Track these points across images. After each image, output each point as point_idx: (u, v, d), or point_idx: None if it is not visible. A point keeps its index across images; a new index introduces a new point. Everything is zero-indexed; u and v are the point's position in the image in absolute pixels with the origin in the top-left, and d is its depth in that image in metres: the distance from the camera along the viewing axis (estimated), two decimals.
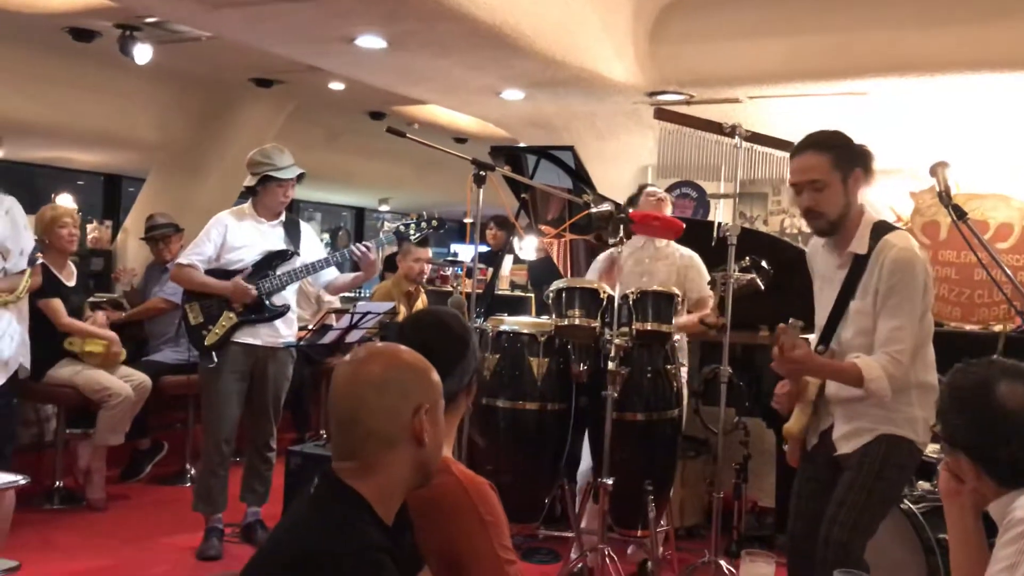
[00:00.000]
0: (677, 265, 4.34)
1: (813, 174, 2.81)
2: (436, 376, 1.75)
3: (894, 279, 2.73)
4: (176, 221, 6.12)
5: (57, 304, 4.79)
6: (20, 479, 2.80)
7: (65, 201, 8.20)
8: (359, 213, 13.94)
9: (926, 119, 5.41)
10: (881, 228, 2.83)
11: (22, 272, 3.46)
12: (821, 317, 2.95)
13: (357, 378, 1.69)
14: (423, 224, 4.48)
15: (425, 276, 5.93)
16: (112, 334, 5.10)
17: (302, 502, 1.72)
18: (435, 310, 2.23)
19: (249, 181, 4.38)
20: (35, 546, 4.25)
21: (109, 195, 10.02)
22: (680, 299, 3.97)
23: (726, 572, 3.74)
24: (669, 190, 6.23)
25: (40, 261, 3.54)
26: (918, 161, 4.44)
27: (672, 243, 4.40)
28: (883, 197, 5.53)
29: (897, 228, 2.91)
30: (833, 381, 2.86)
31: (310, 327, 4.95)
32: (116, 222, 8.73)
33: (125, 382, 5.06)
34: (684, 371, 4.33)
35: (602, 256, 4.52)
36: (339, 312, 4.94)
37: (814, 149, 2.84)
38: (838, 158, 2.81)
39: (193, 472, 5.56)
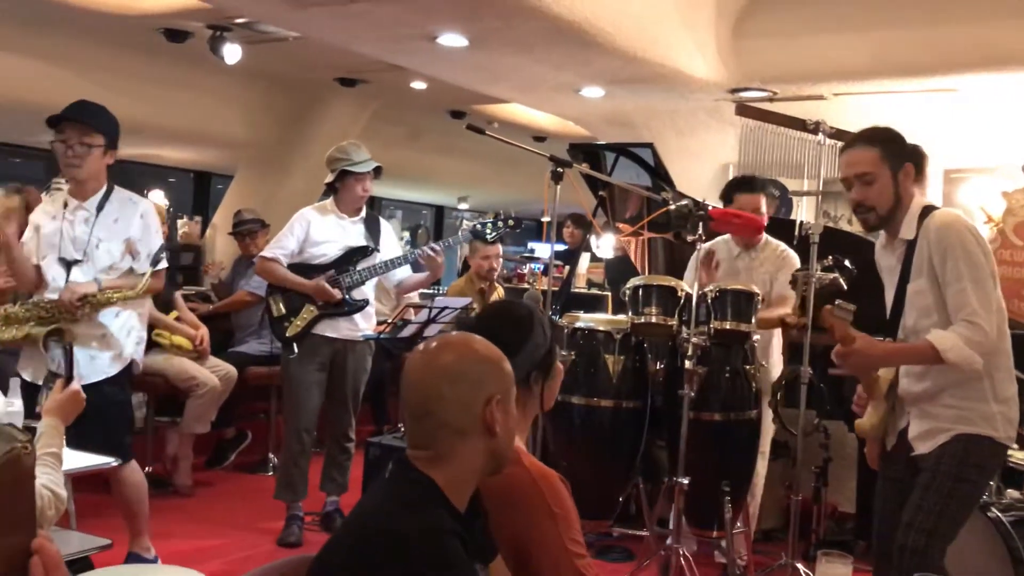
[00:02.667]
0: (771, 273, 4.24)
1: (861, 167, 2.80)
2: (508, 365, 1.75)
3: (942, 245, 2.68)
4: (262, 217, 6.29)
5: None
6: (112, 461, 2.93)
7: (156, 198, 8.48)
8: (439, 211, 14.09)
9: (1019, 116, 5.22)
10: (928, 210, 2.78)
11: (144, 273, 3.61)
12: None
13: (430, 369, 1.70)
14: (499, 223, 4.52)
15: (496, 273, 5.95)
16: (199, 333, 5.25)
17: (377, 486, 1.76)
18: (502, 300, 2.23)
19: (328, 178, 4.48)
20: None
21: (199, 192, 10.34)
22: (760, 298, 3.91)
23: (803, 575, 3.68)
24: None
25: (163, 265, 3.68)
26: (1010, 160, 4.31)
27: (768, 244, 4.26)
28: (974, 196, 5.38)
29: (942, 208, 2.85)
30: (902, 369, 2.79)
31: (389, 321, 5.03)
32: (205, 218, 9.00)
33: (212, 372, 5.22)
34: (776, 370, 4.24)
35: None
36: (418, 307, 5.00)
37: (863, 143, 2.83)
38: (887, 152, 2.79)
39: (275, 461, 5.69)
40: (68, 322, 3.48)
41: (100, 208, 3.61)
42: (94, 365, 3.56)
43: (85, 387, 3.46)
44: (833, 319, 2.71)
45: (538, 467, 2.00)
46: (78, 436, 3.44)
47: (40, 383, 3.22)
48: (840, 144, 3.87)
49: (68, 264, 3.56)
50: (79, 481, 3.56)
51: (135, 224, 3.64)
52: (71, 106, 3.58)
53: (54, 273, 3.57)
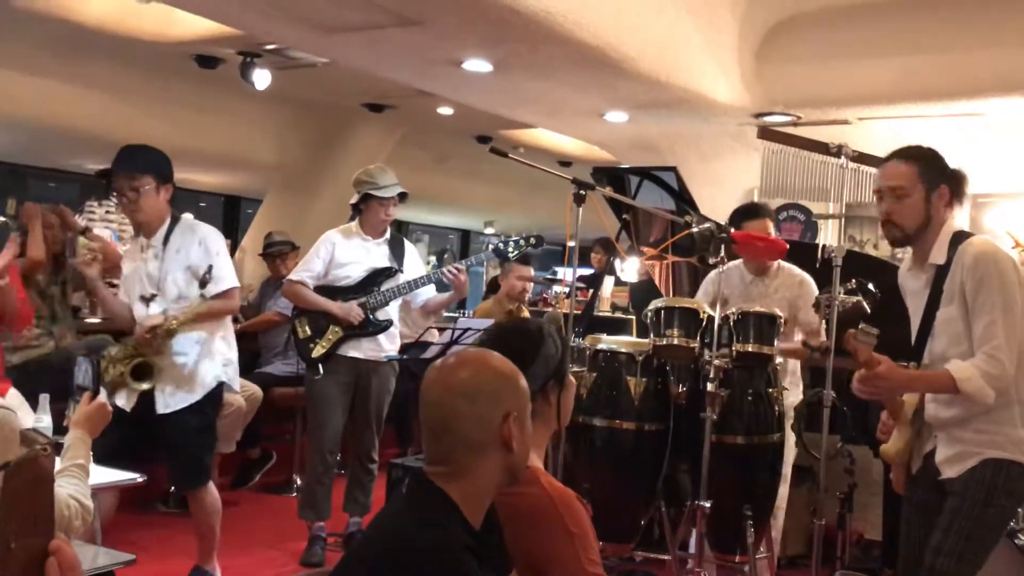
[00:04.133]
0: (787, 299, 4.23)
1: (896, 181, 2.78)
2: (524, 381, 1.77)
3: (978, 273, 2.64)
4: (292, 240, 6.37)
5: None
6: (139, 477, 2.98)
7: None
8: (465, 235, 14.17)
9: None
10: (961, 236, 2.76)
11: (213, 296, 3.71)
12: (914, 337, 2.88)
13: (447, 386, 1.72)
14: (521, 242, 4.55)
15: (528, 294, 5.95)
16: None
17: (394, 502, 1.78)
18: (512, 318, 2.25)
19: (353, 199, 4.54)
20: (150, 544, 4.46)
21: (229, 215, 10.47)
22: (784, 321, 3.90)
23: None
24: (775, 212, 6.13)
25: (226, 285, 3.75)
26: None
27: (782, 270, 4.29)
28: (1001, 221, 5.34)
29: (977, 235, 2.83)
30: (928, 394, 2.77)
31: (412, 342, 5.04)
32: (235, 241, 9.11)
33: (238, 393, 5.26)
34: (799, 391, 4.24)
35: (711, 276, 4.46)
36: (441, 328, 5.03)
37: (902, 158, 2.81)
38: (925, 170, 2.77)
39: (300, 482, 5.72)
40: (151, 355, 3.63)
41: (165, 242, 3.74)
42: (179, 394, 3.69)
43: (171, 415, 3.66)
44: (856, 343, 2.70)
45: (556, 487, 2.01)
46: (167, 461, 3.70)
47: (128, 409, 3.37)
48: (863, 167, 3.89)
49: (147, 300, 3.72)
50: None
51: (194, 251, 3.74)
52: (116, 157, 3.71)
53: (138, 312, 3.72)
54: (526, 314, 5.98)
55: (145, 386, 3.61)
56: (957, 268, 2.70)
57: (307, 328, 4.48)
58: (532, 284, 5.90)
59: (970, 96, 4.89)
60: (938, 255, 2.76)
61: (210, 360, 3.76)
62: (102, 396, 2.49)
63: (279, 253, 6.24)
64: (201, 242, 3.75)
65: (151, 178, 3.67)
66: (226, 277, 3.77)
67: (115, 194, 3.73)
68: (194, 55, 6.03)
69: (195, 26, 5.53)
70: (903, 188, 2.76)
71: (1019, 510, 3.26)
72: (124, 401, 3.62)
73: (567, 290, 7.36)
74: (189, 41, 5.76)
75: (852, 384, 2.80)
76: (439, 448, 1.72)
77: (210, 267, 3.72)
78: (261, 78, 6.00)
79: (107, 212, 7.35)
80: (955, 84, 4.85)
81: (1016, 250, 5.19)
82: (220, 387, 3.83)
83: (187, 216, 3.87)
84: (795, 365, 4.32)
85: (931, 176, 2.77)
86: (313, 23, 4.41)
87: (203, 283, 3.68)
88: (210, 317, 3.74)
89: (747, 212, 4.28)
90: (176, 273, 3.71)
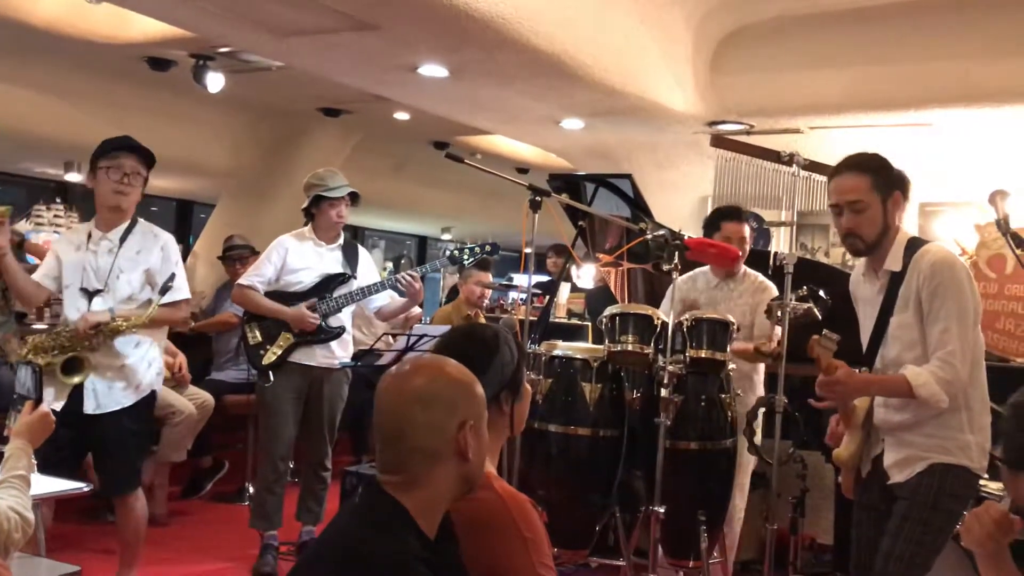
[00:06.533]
0: (750, 304, 4.28)
1: (852, 195, 2.80)
2: (480, 390, 1.76)
3: (935, 281, 2.68)
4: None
5: None
6: (84, 486, 2.91)
7: None
8: (422, 241, 14.15)
9: (993, 151, 5.31)
10: (916, 243, 2.80)
11: (163, 304, 3.63)
12: (865, 342, 2.91)
13: (402, 393, 1.70)
14: (476, 248, 4.55)
15: (486, 300, 5.93)
16: (177, 360, 5.22)
17: (347, 511, 1.76)
18: (468, 323, 2.23)
19: (304, 204, 4.50)
20: (96, 555, 4.37)
21: (181, 220, 10.34)
22: (736, 327, 3.93)
23: None
24: None
25: (179, 296, 3.69)
26: (984, 193, 4.37)
27: (747, 276, 4.32)
28: (948, 229, 5.44)
29: (932, 242, 2.87)
30: (882, 397, 2.81)
31: (368, 349, 5.01)
32: (187, 246, 8.99)
33: (189, 400, 5.18)
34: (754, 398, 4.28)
35: (679, 283, 4.49)
36: (396, 335, 5.00)
37: (854, 170, 2.83)
38: (878, 180, 2.80)
39: (252, 491, 5.65)
40: (86, 351, 3.53)
41: (123, 240, 3.66)
42: (112, 395, 3.59)
43: (103, 416, 3.56)
44: (819, 349, 2.73)
45: (509, 491, 2.00)
46: (95, 464, 3.57)
47: (59, 407, 3.26)
48: (815, 176, 3.94)
49: (90, 294, 3.61)
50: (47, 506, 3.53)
51: (155, 255, 3.69)
52: (125, 138, 3.72)
53: (77, 303, 3.61)
54: (483, 320, 5.97)
55: (76, 380, 3.50)
56: (913, 274, 2.73)
57: (257, 334, 4.42)
58: (490, 290, 5.89)
59: (918, 106, 4.98)
60: (893, 262, 2.80)
61: (147, 366, 3.69)
62: (45, 405, 2.43)
63: (239, 256, 6.17)
64: (163, 248, 3.72)
65: (147, 173, 3.69)
66: (183, 288, 3.74)
67: (116, 168, 3.61)
68: (146, 57, 5.94)
69: (147, 28, 5.46)
70: (862, 202, 2.78)
71: (965, 513, 3.32)
72: (52, 397, 3.47)
73: (523, 296, 7.37)
74: (141, 43, 5.68)
75: (816, 389, 2.82)
76: (393, 456, 1.70)
77: (173, 275, 3.67)
78: (214, 81, 5.94)
79: (55, 216, 7.22)
80: (904, 95, 4.95)
81: (963, 257, 5.29)
82: (153, 395, 3.76)
83: (144, 221, 3.79)
84: (759, 376, 4.36)
85: (884, 184, 2.81)
86: (267, 26, 4.36)
87: (164, 290, 3.62)
88: (158, 324, 3.69)
89: (727, 214, 4.32)
90: (132, 274, 3.64)
